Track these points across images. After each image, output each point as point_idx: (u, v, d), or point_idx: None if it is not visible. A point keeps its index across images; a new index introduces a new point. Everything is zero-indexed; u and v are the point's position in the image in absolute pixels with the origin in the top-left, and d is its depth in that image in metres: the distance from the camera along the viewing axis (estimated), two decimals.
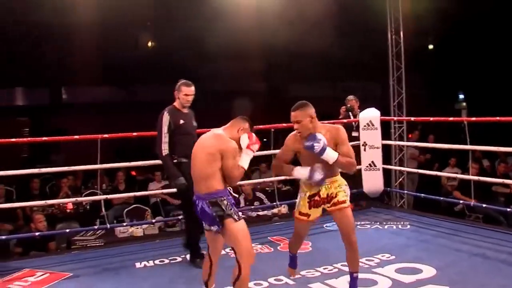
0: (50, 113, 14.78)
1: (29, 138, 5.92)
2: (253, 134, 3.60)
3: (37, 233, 5.69)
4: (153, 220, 6.85)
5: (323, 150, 3.48)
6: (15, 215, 7.49)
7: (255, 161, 10.43)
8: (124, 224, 6.59)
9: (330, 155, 3.52)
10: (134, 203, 8.00)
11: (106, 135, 5.66)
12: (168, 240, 6.03)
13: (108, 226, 6.04)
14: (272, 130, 6.57)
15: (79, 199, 7.45)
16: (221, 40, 11.73)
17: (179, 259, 5.18)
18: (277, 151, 4.08)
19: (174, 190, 5.14)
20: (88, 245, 5.93)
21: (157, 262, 5.12)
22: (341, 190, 3.67)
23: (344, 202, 3.64)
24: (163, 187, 8.33)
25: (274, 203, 6.94)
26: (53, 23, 10.44)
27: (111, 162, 6.10)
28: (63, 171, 7.42)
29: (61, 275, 4.78)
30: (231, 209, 3.44)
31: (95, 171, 8.28)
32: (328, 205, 3.66)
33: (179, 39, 12.65)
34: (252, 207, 7.34)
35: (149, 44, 14.52)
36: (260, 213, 7.47)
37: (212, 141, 3.49)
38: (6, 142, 5.51)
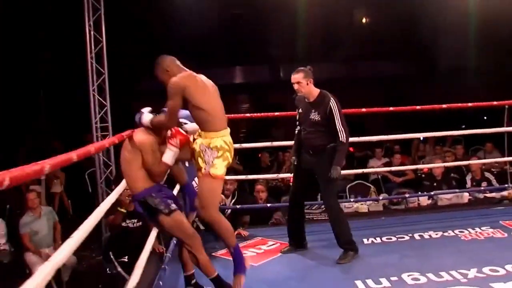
0: (268, 89, 15.63)
1: (278, 113, 6.22)
2: (176, 128, 3.47)
3: (268, 205, 6.08)
4: (380, 197, 6.88)
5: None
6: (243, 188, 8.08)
7: (479, 139, 9.98)
8: (351, 200, 6.74)
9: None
10: (354, 180, 8.15)
11: None
12: (393, 218, 6.06)
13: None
14: (507, 106, 6.14)
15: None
16: (438, 15, 11.29)
17: (406, 237, 5.16)
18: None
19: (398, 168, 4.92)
20: (314, 218, 6.16)
21: (384, 239, 5.17)
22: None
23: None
24: (385, 164, 8.34)
25: (505, 185, 6.51)
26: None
27: None
28: None
29: (284, 244, 4.99)
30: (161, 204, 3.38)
31: None
32: None
33: (392, 15, 12.46)
34: (481, 188, 7.00)
35: (363, 20, 14.50)
36: (488, 195, 7.08)
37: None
38: (239, 118, 5.89)
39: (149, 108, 3.53)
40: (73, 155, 2.19)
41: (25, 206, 6.24)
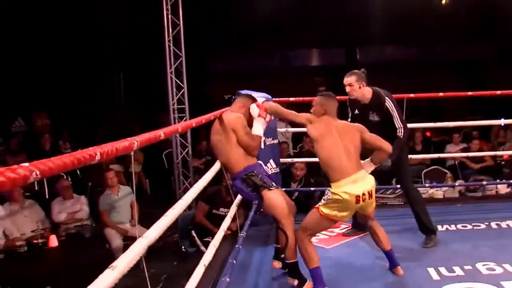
0: (344, 72, 15.49)
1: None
2: (259, 103, 3.70)
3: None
4: (456, 184, 6.72)
5: None
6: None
7: None
8: (427, 185, 6.62)
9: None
10: (430, 165, 8.00)
11: (412, 95, 5.76)
12: (470, 205, 5.95)
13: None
14: None
15: None
16: None
17: (482, 226, 5.05)
18: None
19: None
20: (388, 203, 6.09)
21: (459, 227, 5.08)
22: None
23: None
24: (462, 150, 8.13)
25: None
26: None
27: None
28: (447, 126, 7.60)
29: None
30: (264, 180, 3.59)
31: None
32: None
33: None
34: None
35: (443, 1, 14.05)
36: None
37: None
38: None
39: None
40: (161, 133, 2.28)
41: (104, 184, 6.54)
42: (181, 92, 7.71)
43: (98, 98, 14.23)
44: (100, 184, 7.17)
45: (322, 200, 3.46)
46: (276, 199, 3.59)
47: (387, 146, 3.65)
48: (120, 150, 1.75)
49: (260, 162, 3.96)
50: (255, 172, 3.63)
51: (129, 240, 6.05)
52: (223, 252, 4.30)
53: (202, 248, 5.41)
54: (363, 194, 3.37)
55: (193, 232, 5.64)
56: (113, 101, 15.29)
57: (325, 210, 3.40)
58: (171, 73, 7.65)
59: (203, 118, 3.52)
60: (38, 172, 1.23)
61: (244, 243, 4.12)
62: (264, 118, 3.69)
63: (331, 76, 15.71)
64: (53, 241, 5.41)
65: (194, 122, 3.27)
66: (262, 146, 4.56)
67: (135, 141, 1.90)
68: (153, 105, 12.00)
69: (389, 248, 3.83)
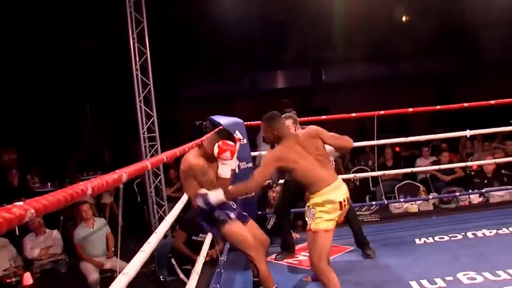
0: (311, 93, 15.71)
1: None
2: (225, 141, 3.50)
3: None
4: (430, 197, 6.81)
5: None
6: None
7: None
8: (401, 200, 6.70)
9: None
10: (402, 180, 8.11)
11: (382, 112, 5.84)
12: (445, 217, 6.04)
13: (385, 202, 6.24)
14: None
15: (352, 175, 7.62)
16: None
17: (459, 236, 5.12)
18: None
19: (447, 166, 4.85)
20: (365, 220, 6.13)
21: (436, 239, 5.13)
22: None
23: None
24: (432, 163, 8.26)
25: None
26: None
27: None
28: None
29: (343, 248, 5.04)
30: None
31: (361, 148, 8.62)
32: None
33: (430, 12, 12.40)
34: None
35: (403, 19, 14.42)
36: None
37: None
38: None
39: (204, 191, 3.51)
40: (147, 163, 2.27)
41: (77, 216, 6.45)
42: (151, 121, 7.69)
43: (65, 129, 14.04)
44: (73, 217, 7.07)
45: (308, 220, 3.44)
46: (237, 231, 3.55)
47: (347, 143, 3.73)
48: (110, 183, 1.75)
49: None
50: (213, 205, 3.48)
51: (105, 273, 5.98)
52: (204, 278, 4.26)
53: (182, 276, 5.35)
54: (344, 200, 3.40)
55: (173, 260, 5.58)
56: (81, 131, 15.15)
57: (316, 226, 3.38)
58: (140, 101, 7.63)
59: (178, 151, 3.48)
60: (33, 211, 1.21)
61: (225, 267, 4.10)
62: (230, 159, 3.49)
63: (299, 96, 15.92)
64: (28, 279, 5.30)
65: (178, 151, 3.23)
66: (237, 171, 4.54)
67: (124, 173, 1.88)
68: (123, 134, 11.93)
69: None
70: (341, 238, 5.02)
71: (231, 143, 3.52)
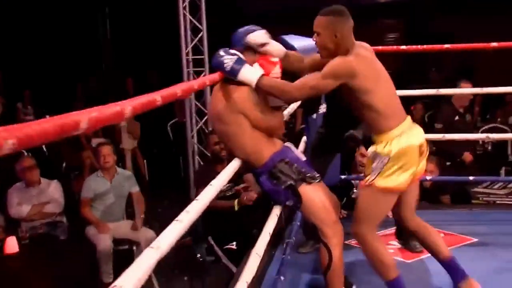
0: (427, 13, 15.30)
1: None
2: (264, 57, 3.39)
3: (428, 177, 5.89)
4: None
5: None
6: None
7: None
8: None
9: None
10: None
11: None
12: None
13: None
14: None
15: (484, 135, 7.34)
16: None
17: None
18: None
19: None
20: (498, 201, 5.97)
21: None
22: None
23: None
24: None
25: None
26: None
27: None
28: None
29: (462, 238, 4.93)
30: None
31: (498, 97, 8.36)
32: None
33: None
34: None
35: None
36: None
37: None
38: (385, 51, 5.82)
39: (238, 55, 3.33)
40: (157, 97, 2.20)
41: (85, 165, 6.41)
42: (198, 37, 7.65)
43: (75, 45, 14.25)
44: (79, 166, 7.14)
45: (373, 172, 3.33)
46: (317, 197, 3.40)
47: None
48: (110, 118, 1.74)
49: (288, 144, 3.66)
50: (287, 159, 3.38)
51: (121, 244, 5.96)
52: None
53: (225, 260, 5.39)
54: (421, 145, 3.36)
55: (210, 239, 5.56)
56: (98, 49, 15.37)
57: (384, 182, 3.29)
58: (184, 8, 7.58)
59: (207, 79, 3.38)
60: (14, 141, 1.19)
61: (292, 253, 4.10)
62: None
63: (408, 18, 15.57)
64: (12, 246, 5.29)
65: (196, 83, 3.10)
66: (314, 116, 4.53)
67: (127, 107, 1.85)
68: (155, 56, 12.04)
69: (450, 256, 3.66)
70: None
71: (275, 59, 3.43)
